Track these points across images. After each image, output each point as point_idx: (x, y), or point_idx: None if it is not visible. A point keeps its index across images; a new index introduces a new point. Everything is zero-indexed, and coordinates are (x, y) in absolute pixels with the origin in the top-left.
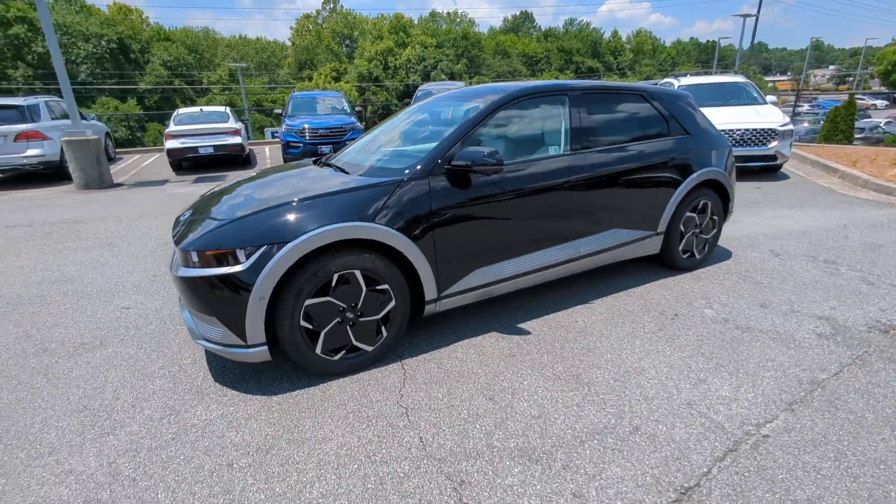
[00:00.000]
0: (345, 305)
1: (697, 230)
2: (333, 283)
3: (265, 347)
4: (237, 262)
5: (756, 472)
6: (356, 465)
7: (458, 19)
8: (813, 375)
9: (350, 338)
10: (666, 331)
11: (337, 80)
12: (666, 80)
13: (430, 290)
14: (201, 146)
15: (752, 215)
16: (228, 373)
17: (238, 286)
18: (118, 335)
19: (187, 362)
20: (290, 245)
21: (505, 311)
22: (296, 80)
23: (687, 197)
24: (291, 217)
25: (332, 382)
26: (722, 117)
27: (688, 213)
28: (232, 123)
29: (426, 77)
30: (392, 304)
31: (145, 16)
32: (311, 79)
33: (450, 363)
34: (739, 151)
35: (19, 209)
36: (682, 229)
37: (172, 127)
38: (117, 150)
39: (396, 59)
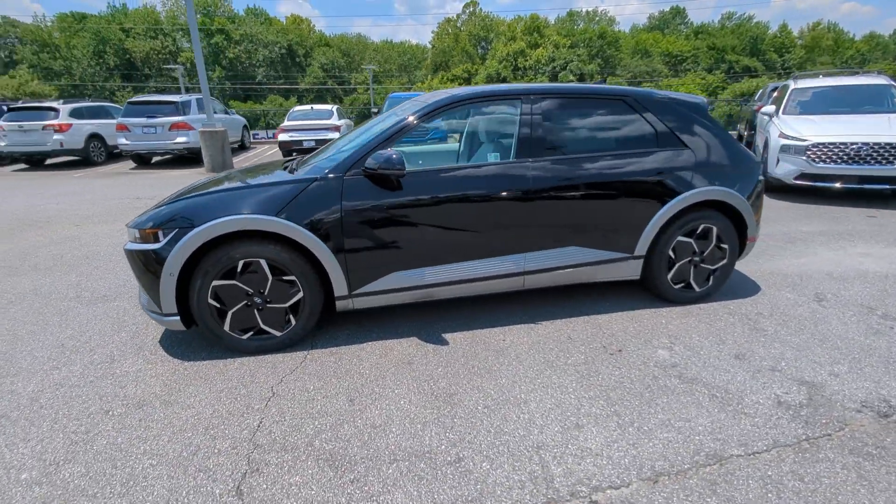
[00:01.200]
0: (252, 290)
1: (696, 258)
2: (239, 269)
3: (177, 318)
4: (157, 240)
5: None
6: (190, 434)
7: (596, 17)
8: (722, 449)
9: (258, 321)
10: (590, 366)
11: (467, 81)
12: (783, 82)
13: (339, 287)
14: (305, 139)
15: (835, 249)
16: (176, 337)
17: (155, 261)
18: (132, 293)
19: (154, 324)
20: (194, 231)
21: (444, 319)
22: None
23: (677, 218)
24: (207, 205)
25: (238, 359)
26: (840, 128)
27: (680, 238)
28: (334, 121)
29: (553, 78)
30: (300, 294)
31: (313, 24)
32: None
33: (348, 360)
34: (853, 170)
35: (155, 185)
36: (672, 255)
37: (285, 122)
38: (255, 141)
39: (526, 61)
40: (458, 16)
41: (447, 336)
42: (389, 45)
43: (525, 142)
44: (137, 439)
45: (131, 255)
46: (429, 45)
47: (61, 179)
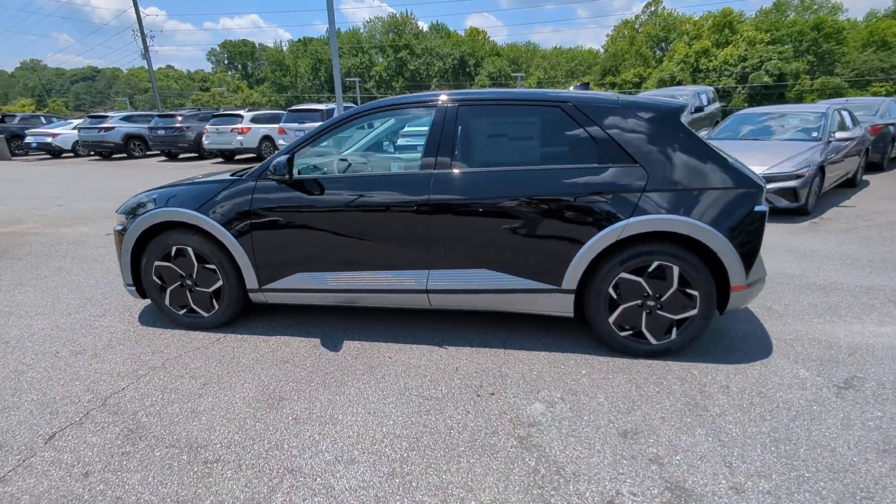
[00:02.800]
0: (183, 273)
1: (651, 303)
2: (172, 254)
3: (133, 287)
4: (122, 224)
5: None
6: (79, 381)
7: (814, 6)
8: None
9: (189, 301)
10: (441, 403)
11: (637, 85)
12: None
13: (250, 280)
14: None
15: None
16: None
17: (120, 241)
18: None
19: None
20: (138, 219)
21: (362, 327)
22: (597, 86)
23: (617, 249)
24: (156, 197)
25: (174, 330)
26: None
27: (623, 275)
28: None
29: (742, 80)
30: (220, 282)
31: (488, 36)
32: (613, 85)
33: (245, 349)
34: None
35: None
36: (614, 294)
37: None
38: None
39: (710, 61)
40: (636, 16)
41: (347, 343)
42: (558, 52)
43: (431, 151)
44: (55, 367)
45: (114, 233)
46: (602, 50)
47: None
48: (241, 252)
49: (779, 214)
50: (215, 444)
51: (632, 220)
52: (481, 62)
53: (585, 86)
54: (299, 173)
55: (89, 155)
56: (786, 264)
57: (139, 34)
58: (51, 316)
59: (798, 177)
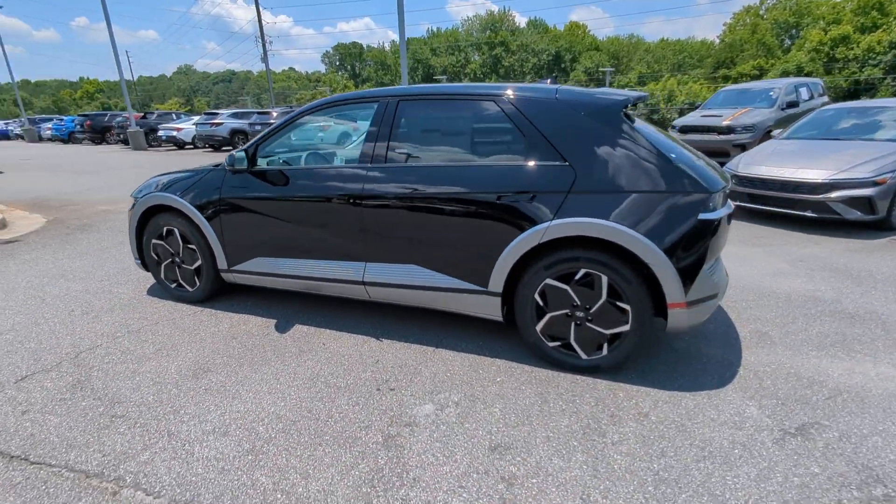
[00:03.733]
0: (173, 251)
1: (580, 314)
2: (164, 234)
3: (139, 262)
4: (132, 206)
5: None
6: (61, 334)
7: None
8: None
9: (178, 276)
10: (334, 392)
11: (756, 79)
12: None
13: (220, 261)
14: None
15: None
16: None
17: (128, 221)
18: None
19: None
20: (138, 203)
21: (319, 311)
22: (706, 80)
23: (542, 253)
24: (159, 183)
25: (165, 301)
26: None
27: (548, 280)
28: None
29: (891, 71)
30: (199, 262)
31: (588, 30)
32: (727, 79)
33: (206, 322)
34: None
35: None
36: (540, 301)
37: None
38: None
39: (851, 50)
40: (762, 1)
41: (298, 327)
42: (664, 44)
43: (369, 146)
44: (63, 322)
45: (128, 213)
46: (717, 41)
47: None
48: (213, 235)
49: (855, 228)
50: (130, 402)
51: (554, 222)
52: (578, 57)
53: (553, 79)
54: (268, 165)
55: (204, 147)
56: (821, 285)
57: (261, 40)
58: (87, 281)
59: (876, 184)
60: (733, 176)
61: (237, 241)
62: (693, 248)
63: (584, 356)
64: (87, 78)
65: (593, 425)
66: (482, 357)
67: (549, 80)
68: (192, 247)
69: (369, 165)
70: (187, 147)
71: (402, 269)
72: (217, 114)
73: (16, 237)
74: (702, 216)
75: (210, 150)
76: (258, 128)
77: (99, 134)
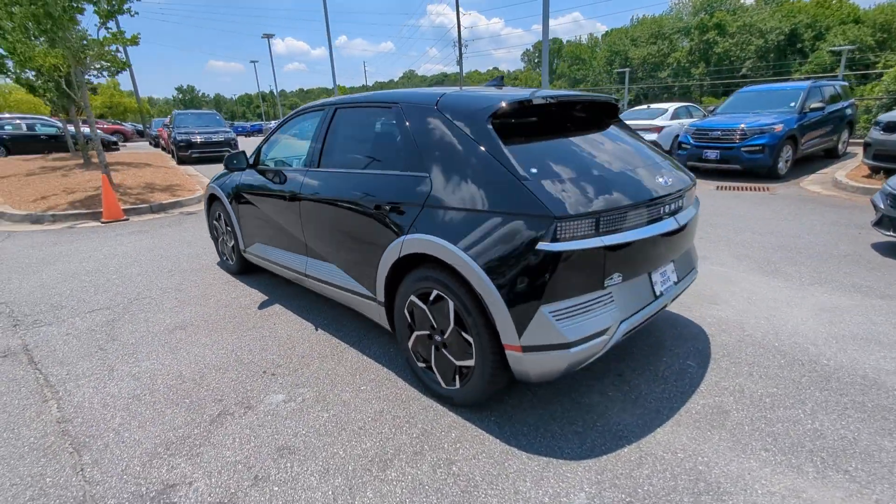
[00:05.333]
0: (222, 230)
1: (437, 337)
2: (217, 216)
3: (210, 235)
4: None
5: None
6: (131, 287)
7: None
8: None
9: (223, 250)
10: (233, 363)
11: None
12: None
13: (240, 242)
14: None
15: None
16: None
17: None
18: None
19: None
20: (207, 189)
21: (308, 294)
22: None
23: (405, 269)
24: (218, 175)
25: (215, 271)
26: None
27: (412, 297)
28: (661, 121)
29: None
30: (233, 241)
31: None
32: None
33: (224, 290)
34: None
35: None
36: (409, 318)
37: None
38: None
39: None
40: None
41: (275, 307)
42: None
43: (310, 150)
44: (144, 281)
45: None
46: None
47: None
48: (235, 220)
49: None
50: (119, 340)
51: (407, 237)
52: (825, 33)
53: (500, 79)
54: (266, 165)
55: None
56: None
57: (457, 45)
58: (199, 247)
59: None
60: None
61: (245, 227)
62: (528, 282)
63: (443, 384)
64: (342, 85)
65: (387, 457)
66: (375, 363)
67: (493, 81)
68: (230, 228)
69: (306, 169)
70: None
71: (325, 267)
72: None
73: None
74: (540, 246)
75: None
76: None
77: None
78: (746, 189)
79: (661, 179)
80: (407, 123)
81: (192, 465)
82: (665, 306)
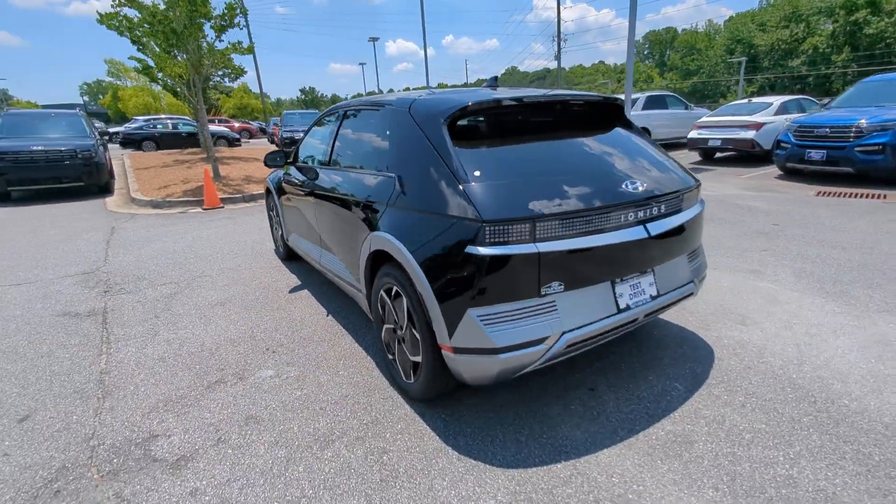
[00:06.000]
0: (273, 218)
1: (399, 331)
2: (270, 207)
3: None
4: None
5: None
6: (192, 261)
7: None
8: None
9: (276, 239)
10: (247, 336)
11: None
12: None
13: (283, 231)
14: (711, 138)
15: None
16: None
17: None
18: None
19: None
20: (265, 184)
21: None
22: None
23: (374, 261)
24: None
25: (269, 257)
26: None
27: (381, 291)
28: (762, 117)
29: None
30: (280, 230)
31: None
32: None
33: (267, 275)
34: None
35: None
36: (381, 311)
37: (705, 118)
38: None
39: None
40: None
41: (301, 293)
42: None
43: (333, 150)
44: (212, 252)
45: None
46: None
47: None
48: (280, 211)
49: None
50: (171, 311)
51: (373, 234)
52: None
53: (493, 79)
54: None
55: None
56: None
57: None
58: (264, 234)
59: None
60: None
61: (286, 218)
62: (457, 285)
63: (403, 376)
64: (444, 83)
65: (331, 438)
66: (362, 352)
67: (489, 82)
68: (278, 219)
69: (320, 167)
70: None
71: (333, 259)
72: None
73: None
74: (468, 249)
75: None
76: None
77: None
78: (854, 196)
79: (629, 186)
80: (388, 126)
81: (176, 421)
82: (635, 321)
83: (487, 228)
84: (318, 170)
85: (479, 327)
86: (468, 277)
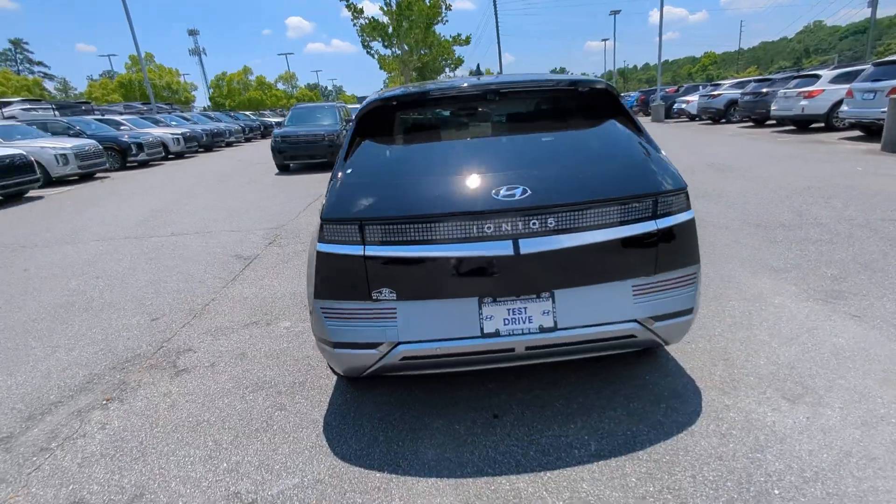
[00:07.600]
0: None
1: None
2: None
3: None
4: None
5: None
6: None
7: None
8: None
9: None
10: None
11: None
12: None
13: None
14: None
15: None
16: None
17: None
18: None
19: None
20: None
21: None
22: None
23: None
24: None
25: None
26: None
27: None
28: None
29: None
30: None
31: None
32: None
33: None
34: None
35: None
36: None
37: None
38: None
39: None
40: None
41: None
42: None
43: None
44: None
45: None
46: None
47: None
48: None
49: None
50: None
51: None
52: None
53: (477, 69)
54: None
55: (701, 119)
56: None
57: None
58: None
59: None
60: None
61: None
62: (310, 277)
63: None
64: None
65: (260, 385)
66: None
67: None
68: None
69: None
70: (695, 120)
71: None
72: (720, 84)
73: None
74: (317, 245)
75: (709, 122)
76: (748, 98)
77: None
78: None
79: (504, 193)
80: None
81: (206, 344)
82: (511, 351)
83: (325, 226)
84: None
85: (321, 318)
86: (316, 271)
